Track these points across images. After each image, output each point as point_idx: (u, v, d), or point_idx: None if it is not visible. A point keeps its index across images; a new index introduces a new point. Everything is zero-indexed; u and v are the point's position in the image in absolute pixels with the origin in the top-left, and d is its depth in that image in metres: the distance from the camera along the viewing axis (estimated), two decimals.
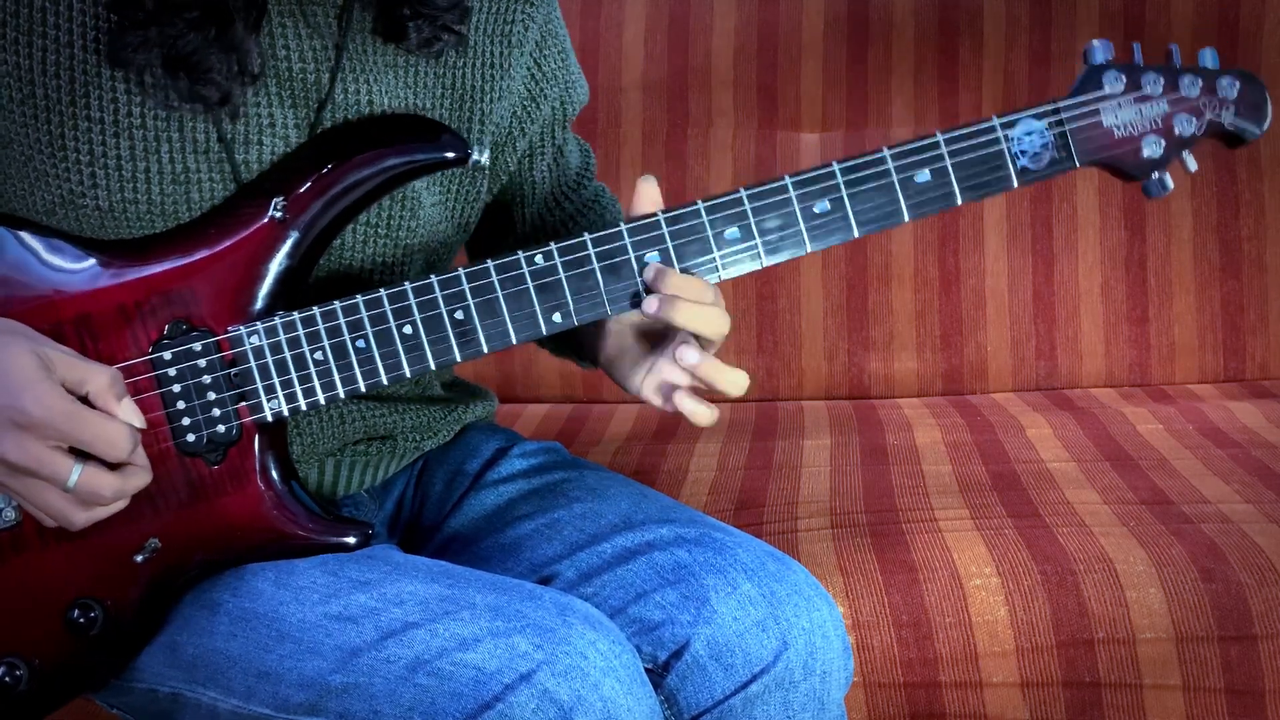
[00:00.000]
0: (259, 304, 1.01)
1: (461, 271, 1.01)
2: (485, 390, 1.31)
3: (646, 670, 1.01)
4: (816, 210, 1.04)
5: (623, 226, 1.02)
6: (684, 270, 1.03)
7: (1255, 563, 1.31)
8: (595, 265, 1.02)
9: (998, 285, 1.99)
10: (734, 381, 1.03)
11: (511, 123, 1.16)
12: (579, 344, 1.18)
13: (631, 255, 1.02)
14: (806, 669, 1.02)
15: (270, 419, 1.01)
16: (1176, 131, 1.07)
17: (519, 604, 0.96)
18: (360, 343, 1.01)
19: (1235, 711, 1.27)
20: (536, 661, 0.91)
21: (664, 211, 1.03)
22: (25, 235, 1.00)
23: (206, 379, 1.00)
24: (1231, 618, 1.28)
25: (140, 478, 0.95)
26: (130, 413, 0.94)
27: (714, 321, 1.02)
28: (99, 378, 0.93)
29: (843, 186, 1.03)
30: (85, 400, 0.92)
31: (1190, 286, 1.98)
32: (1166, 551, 1.32)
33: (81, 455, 0.92)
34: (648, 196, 1.04)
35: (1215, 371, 1.99)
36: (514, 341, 1.02)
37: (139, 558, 1.00)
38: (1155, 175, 1.07)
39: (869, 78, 2.03)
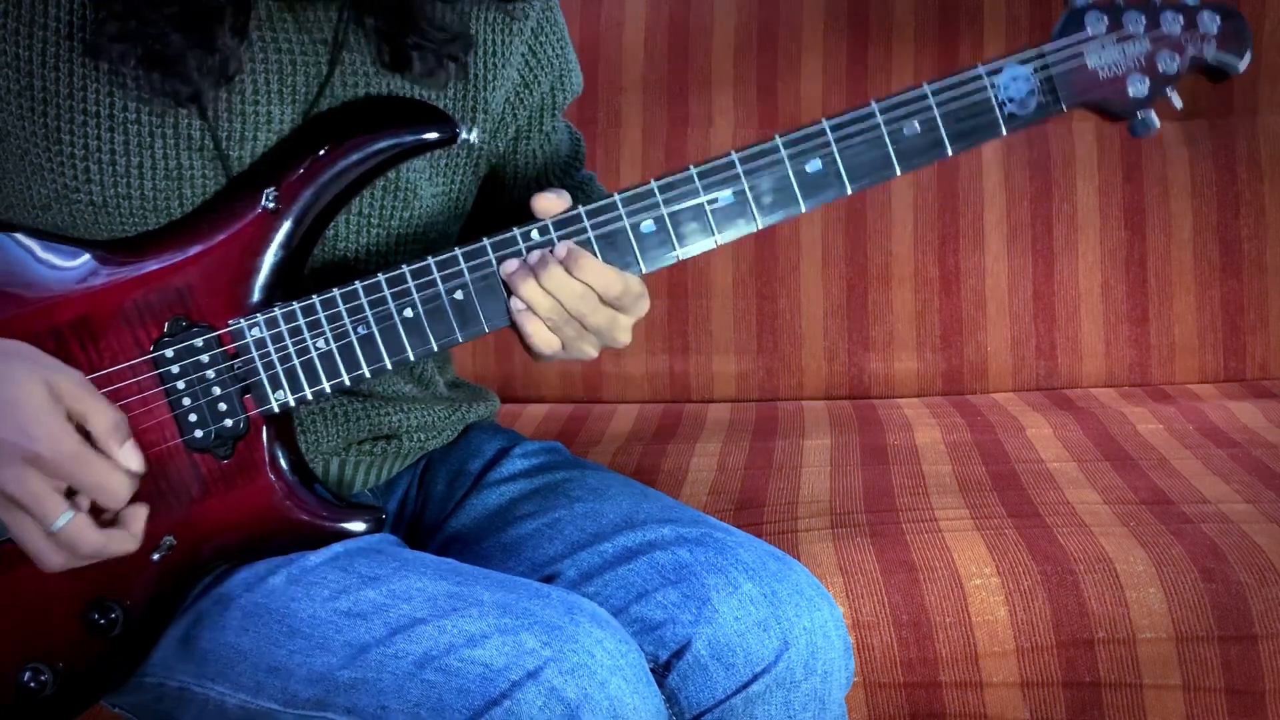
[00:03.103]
0: (256, 296, 1.01)
1: (458, 251, 1.01)
2: (487, 391, 1.31)
3: None
4: (808, 169, 1.04)
5: (617, 196, 1.02)
6: (680, 236, 1.03)
7: (1255, 563, 1.31)
8: (591, 235, 1.02)
9: (998, 285, 1.99)
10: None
11: (504, 108, 1.16)
12: None
13: (626, 224, 1.02)
14: (808, 669, 1.02)
15: (277, 410, 1.01)
16: (1160, 69, 1.07)
17: (527, 602, 0.96)
18: (361, 329, 1.01)
19: (1235, 711, 1.27)
20: (544, 659, 0.91)
21: (657, 179, 1.03)
22: (21, 238, 1.00)
23: (210, 374, 1.00)
24: (1231, 618, 1.28)
25: (125, 544, 0.95)
26: (131, 456, 0.93)
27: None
28: (104, 418, 0.92)
29: (833, 143, 1.04)
30: (87, 437, 0.92)
31: (1190, 286, 1.98)
32: (1166, 551, 1.32)
33: (74, 499, 0.92)
34: (547, 205, 1.03)
35: (1215, 371, 1.99)
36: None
37: (156, 556, 1.00)
38: (1140, 114, 1.08)
39: (869, 78, 2.03)
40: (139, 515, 0.96)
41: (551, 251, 1.01)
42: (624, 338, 1.05)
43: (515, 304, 1.01)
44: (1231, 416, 1.79)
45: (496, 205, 1.23)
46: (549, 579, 1.08)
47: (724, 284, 1.99)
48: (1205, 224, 1.99)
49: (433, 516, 1.20)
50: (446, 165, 1.13)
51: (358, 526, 1.03)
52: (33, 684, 0.98)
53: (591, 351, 1.05)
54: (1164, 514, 1.41)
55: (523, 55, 1.16)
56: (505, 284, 1.02)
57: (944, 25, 2.03)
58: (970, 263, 1.99)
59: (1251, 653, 1.27)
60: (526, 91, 1.17)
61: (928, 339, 1.99)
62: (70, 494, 0.92)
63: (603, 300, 1.02)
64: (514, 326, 1.04)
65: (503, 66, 1.14)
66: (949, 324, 1.99)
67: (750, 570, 1.04)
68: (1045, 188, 2.00)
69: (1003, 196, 1.99)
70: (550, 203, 1.02)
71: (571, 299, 1.01)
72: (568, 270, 1.01)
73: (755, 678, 1.01)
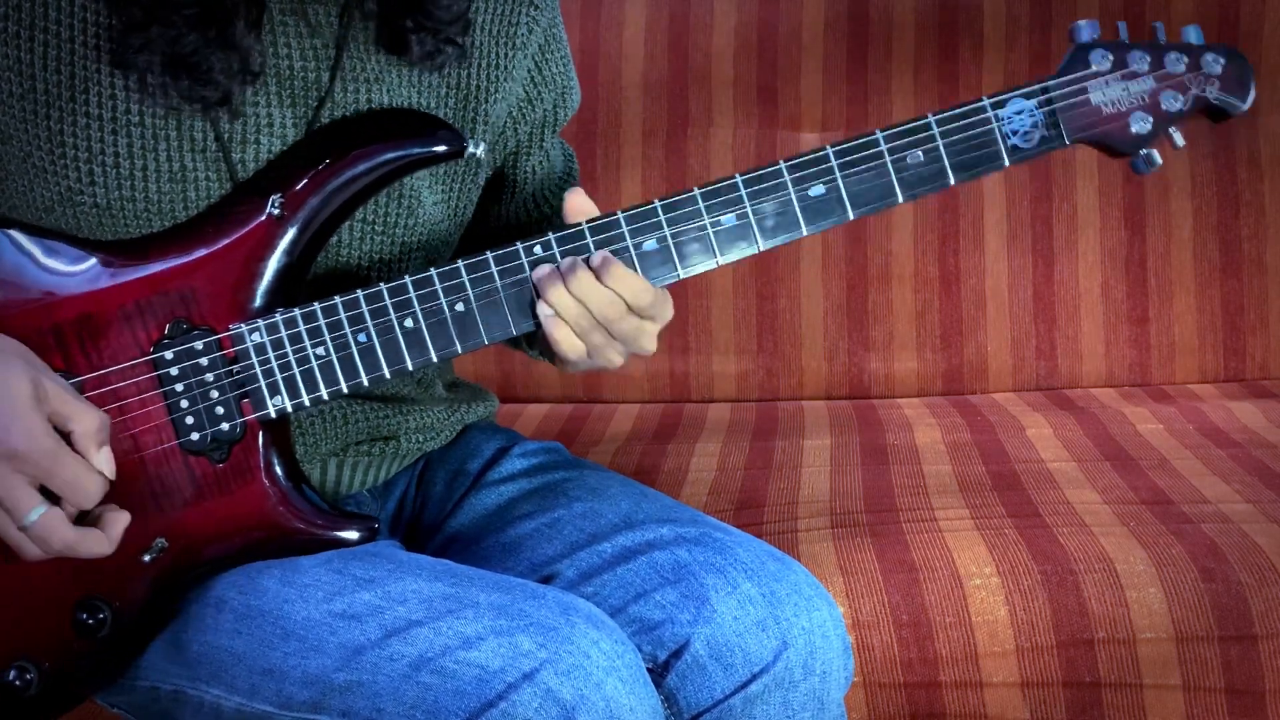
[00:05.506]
0: (258, 301, 1.01)
1: (461, 264, 1.02)
2: (486, 391, 1.31)
3: (646, 670, 1.00)
4: (811, 194, 1.04)
5: (619, 215, 1.03)
6: (682, 256, 1.03)
7: (1255, 563, 1.31)
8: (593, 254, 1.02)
9: (998, 285, 1.99)
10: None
11: (505, 122, 1.17)
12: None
13: (629, 243, 1.03)
14: (806, 669, 1.02)
15: (274, 416, 1.01)
16: (1163, 107, 1.08)
17: (522, 603, 0.96)
18: (362, 337, 1.01)
19: (1235, 711, 1.27)
20: (539, 660, 0.91)
21: (661, 199, 1.03)
22: (24, 236, 1.00)
23: (209, 377, 1.00)
24: (1231, 618, 1.28)
25: (98, 546, 0.94)
26: (105, 461, 0.94)
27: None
28: (87, 420, 0.93)
29: (836, 169, 1.04)
30: (68, 438, 0.92)
31: (1190, 286, 1.98)
32: (1166, 551, 1.32)
33: (50, 495, 0.92)
34: (576, 207, 1.04)
35: (1215, 371, 1.99)
36: (514, 332, 1.03)
37: (146, 557, 1.00)
38: (1143, 151, 1.09)
39: (869, 78, 2.03)
40: (119, 520, 0.96)
41: (587, 259, 1.01)
42: (650, 345, 1.06)
43: (543, 309, 1.02)
44: (1231, 416, 1.79)
45: (490, 221, 1.24)
46: (548, 579, 1.08)
47: (724, 284, 1.99)
48: (1205, 224, 1.99)
49: (431, 517, 1.20)
50: (446, 173, 1.13)
51: (350, 536, 1.03)
52: (17, 682, 0.98)
53: (617, 359, 1.06)
54: (1164, 514, 1.41)
55: (528, 71, 1.16)
56: (535, 288, 1.02)
57: (944, 25, 2.03)
58: (970, 262, 1.99)
59: (1251, 653, 1.27)
60: (529, 107, 1.18)
61: (928, 339, 1.99)
62: (51, 494, 0.93)
63: (630, 309, 1.02)
64: (539, 333, 1.04)
65: (504, 80, 1.14)
66: (949, 324, 1.99)
67: (749, 570, 1.04)
68: (1045, 188, 2.00)
69: (1003, 196, 1.99)
70: (585, 203, 1.03)
71: (599, 305, 1.01)
72: (598, 277, 1.01)
73: (754, 678, 1.01)
